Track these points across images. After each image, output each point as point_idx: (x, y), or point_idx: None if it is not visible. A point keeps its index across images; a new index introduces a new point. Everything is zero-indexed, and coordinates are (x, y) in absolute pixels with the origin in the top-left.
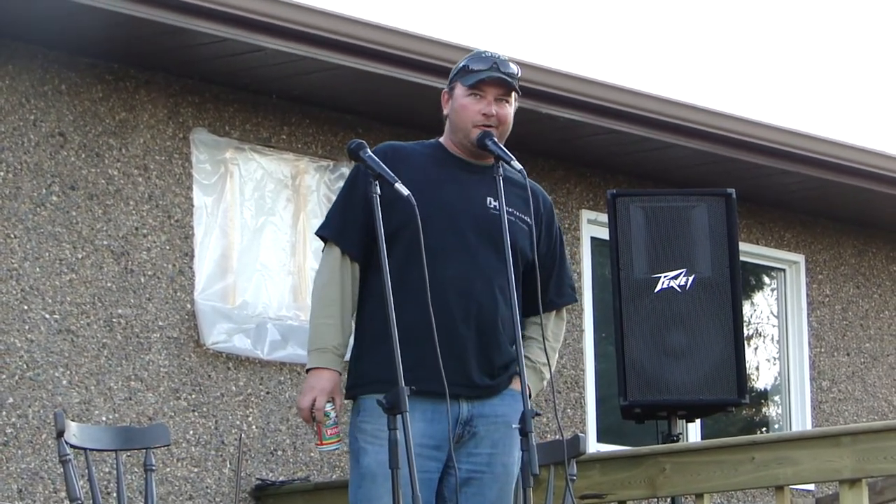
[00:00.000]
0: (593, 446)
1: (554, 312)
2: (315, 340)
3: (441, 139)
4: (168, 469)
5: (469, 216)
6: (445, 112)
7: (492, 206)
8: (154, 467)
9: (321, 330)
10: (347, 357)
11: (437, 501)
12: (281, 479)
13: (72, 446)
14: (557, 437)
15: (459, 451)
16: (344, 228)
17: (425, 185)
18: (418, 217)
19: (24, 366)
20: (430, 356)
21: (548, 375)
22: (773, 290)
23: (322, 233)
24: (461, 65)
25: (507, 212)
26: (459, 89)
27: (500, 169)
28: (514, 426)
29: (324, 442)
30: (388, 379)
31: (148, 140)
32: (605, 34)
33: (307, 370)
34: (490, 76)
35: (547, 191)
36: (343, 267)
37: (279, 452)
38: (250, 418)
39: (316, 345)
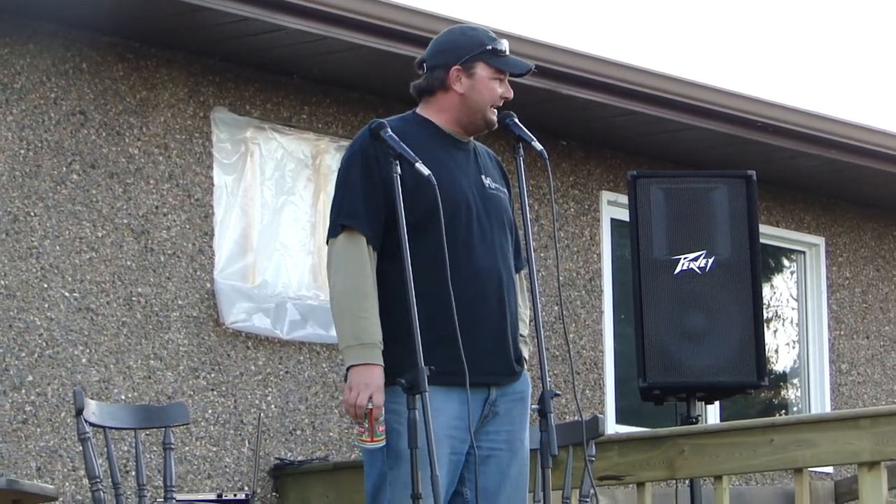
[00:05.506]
0: (612, 427)
1: (519, 278)
2: (358, 335)
3: (423, 112)
4: (187, 448)
5: (479, 200)
6: (459, 90)
7: (487, 184)
8: (173, 446)
9: (362, 324)
10: None
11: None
12: (300, 458)
13: (91, 424)
14: (576, 418)
15: (480, 431)
16: (368, 217)
17: (435, 168)
18: (439, 198)
19: (44, 344)
20: (476, 348)
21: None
22: (792, 272)
23: (349, 223)
24: (482, 43)
25: (495, 187)
26: (485, 70)
27: (521, 149)
28: (532, 407)
29: (375, 439)
30: (444, 371)
31: (168, 119)
32: (625, 15)
33: (351, 366)
34: (529, 68)
35: (567, 172)
36: (370, 257)
37: (298, 432)
38: (269, 398)
39: (360, 339)
